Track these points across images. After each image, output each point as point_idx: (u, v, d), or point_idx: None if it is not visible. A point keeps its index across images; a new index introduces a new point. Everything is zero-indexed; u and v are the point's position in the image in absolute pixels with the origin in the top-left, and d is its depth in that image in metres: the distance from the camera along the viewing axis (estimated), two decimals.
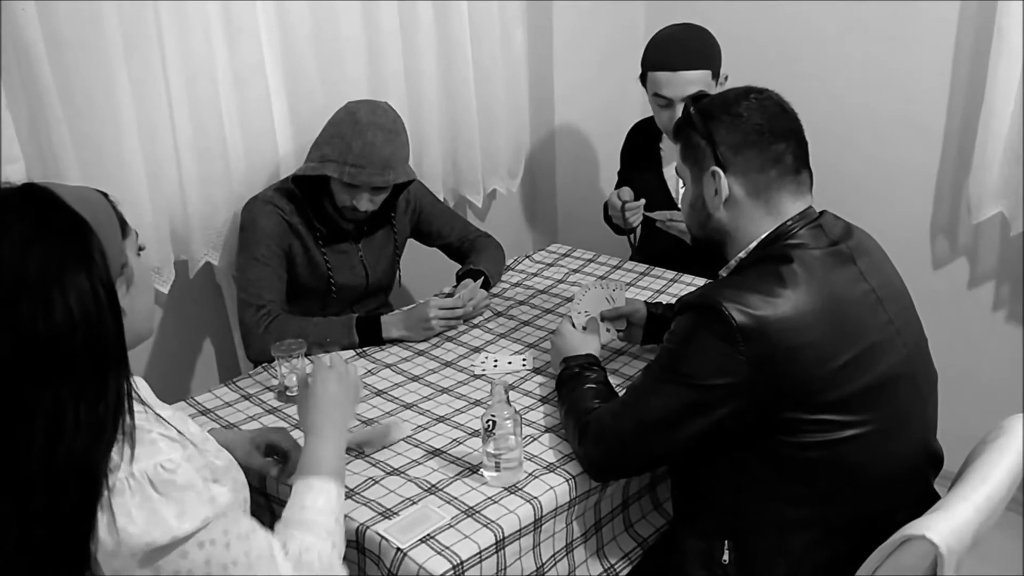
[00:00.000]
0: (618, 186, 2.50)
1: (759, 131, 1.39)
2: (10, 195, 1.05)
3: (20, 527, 0.97)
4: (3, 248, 0.99)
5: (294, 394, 1.77)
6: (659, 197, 2.38)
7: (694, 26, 2.28)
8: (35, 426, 0.97)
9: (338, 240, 2.19)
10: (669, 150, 2.44)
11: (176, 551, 1.04)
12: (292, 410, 1.74)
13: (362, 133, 1.99)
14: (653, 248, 2.46)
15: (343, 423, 1.38)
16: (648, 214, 2.30)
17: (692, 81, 2.19)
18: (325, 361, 1.42)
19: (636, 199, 2.32)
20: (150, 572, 1.03)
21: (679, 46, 2.23)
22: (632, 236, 2.47)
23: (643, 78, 2.30)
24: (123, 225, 1.17)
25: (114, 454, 1.02)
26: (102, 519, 0.99)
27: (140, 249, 1.21)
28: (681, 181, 1.55)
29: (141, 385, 1.20)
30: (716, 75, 2.24)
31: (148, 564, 1.03)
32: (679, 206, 2.32)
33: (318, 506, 1.24)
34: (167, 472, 1.04)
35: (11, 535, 0.97)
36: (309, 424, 1.35)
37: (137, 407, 1.07)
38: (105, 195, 1.18)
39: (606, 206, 2.47)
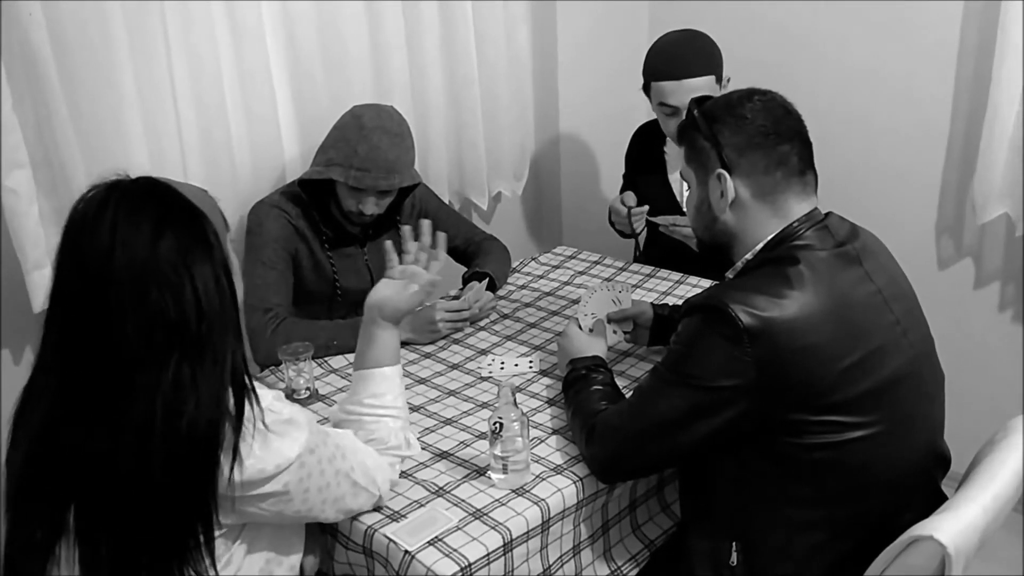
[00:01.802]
0: (623, 190, 2.49)
1: (764, 133, 1.39)
2: (134, 190, 1.14)
3: (149, 494, 1.10)
4: (135, 241, 1.10)
5: (301, 396, 1.79)
6: (664, 201, 2.38)
7: (693, 32, 2.27)
8: (156, 403, 1.09)
9: (344, 244, 2.19)
10: (673, 154, 2.44)
11: (297, 462, 1.20)
12: None
13: (367, 137, 1.99)
14: (658, 251, 2.46)
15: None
16: (652, 219, 2.29)
17: (697, 88, 2.16)
18: (396, 271, 1.55)
19: (640, 203, 2.31)
20: (280, 487, 1.20)
21: (681, 54, 2.22)
22: (637, 240, 2.47)
23: (647, 88, 2.29)
24: (224, 220, 1.26)
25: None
26: (227, 462, 1.13)
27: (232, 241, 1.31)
28: (686, 185, 1.55)
29: None
30: (720, 79, 2.23)
31: (278, 482, 1.19)
32: (684, 211, 2.32)
33: (387, 389, 1.45)
34: (274, 413, 1.20)
35: (142, 499, 1.10)
36: (387, 315, 1.49)
37: None
38: (205, 191, 1.26)
39: (610, 211, 2.47)
